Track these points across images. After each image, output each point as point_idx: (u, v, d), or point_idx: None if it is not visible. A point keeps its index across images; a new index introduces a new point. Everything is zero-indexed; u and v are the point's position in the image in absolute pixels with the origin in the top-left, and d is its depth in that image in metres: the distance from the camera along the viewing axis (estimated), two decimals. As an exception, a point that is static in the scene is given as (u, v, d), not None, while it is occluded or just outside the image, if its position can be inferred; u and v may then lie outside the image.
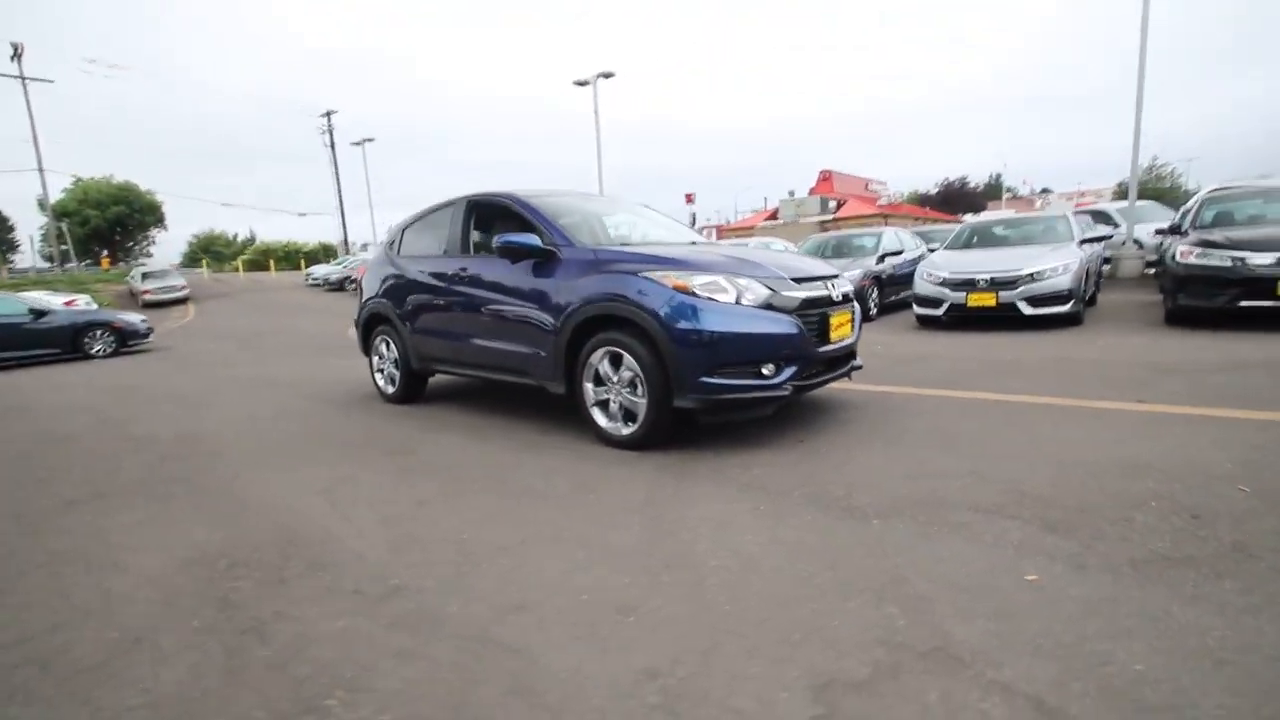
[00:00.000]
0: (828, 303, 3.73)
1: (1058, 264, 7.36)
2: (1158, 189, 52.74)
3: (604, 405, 3.79)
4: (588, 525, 2.64)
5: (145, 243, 38.02)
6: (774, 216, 38.09)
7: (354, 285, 26.87)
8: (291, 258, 44.74)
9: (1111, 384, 4.47)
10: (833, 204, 35.79)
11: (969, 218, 35.81)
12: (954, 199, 45.69)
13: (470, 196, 4.91)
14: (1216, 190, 8.32)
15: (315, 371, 8.25)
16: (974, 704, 1.48)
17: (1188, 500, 2.49)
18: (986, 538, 2.29)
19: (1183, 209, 12.45)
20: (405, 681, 1.69)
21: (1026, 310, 7.35)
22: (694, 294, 3.39)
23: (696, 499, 2.85)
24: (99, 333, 12.14)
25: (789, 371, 3.45)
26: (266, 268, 42.59)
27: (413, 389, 5.47)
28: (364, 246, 36.23)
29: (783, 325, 3.43)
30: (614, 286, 3.60)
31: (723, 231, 39.06)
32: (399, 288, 5.29)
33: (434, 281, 4.90)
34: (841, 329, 3.81)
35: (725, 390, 3.35)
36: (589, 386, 3.82)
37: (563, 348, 3.89)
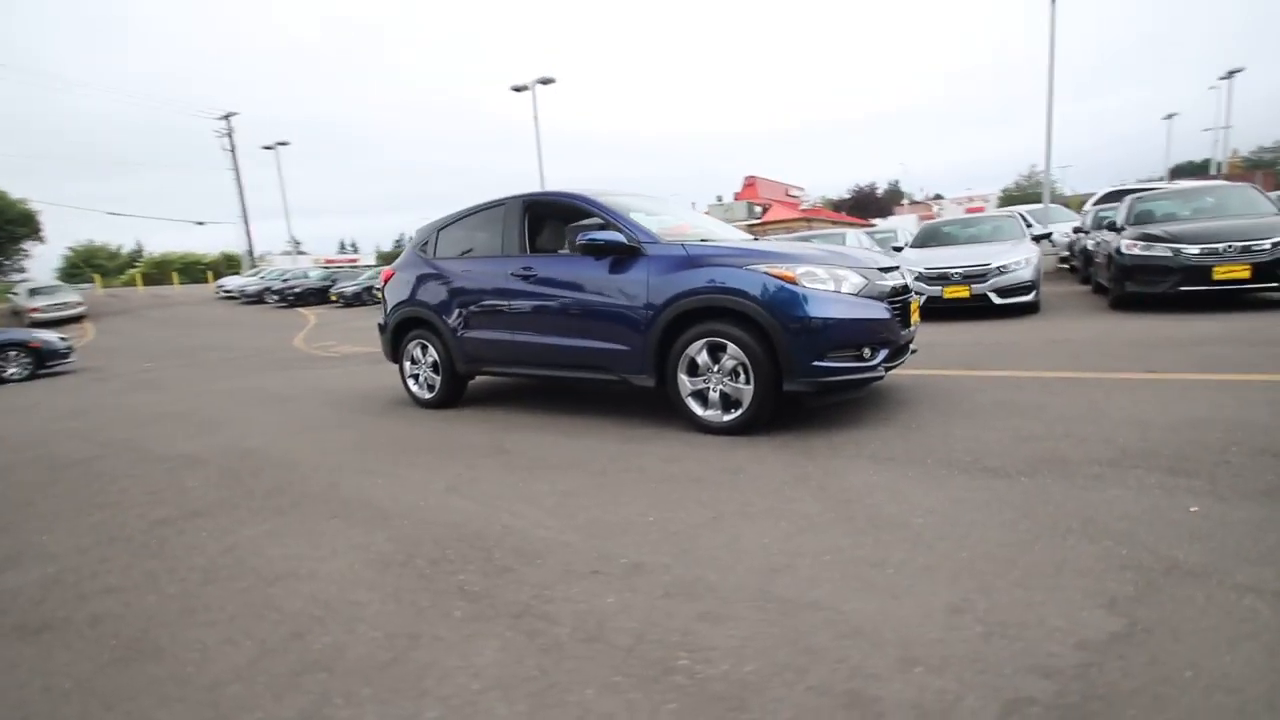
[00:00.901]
0: (905, 290, 4.05)
1: (1021, 258, 8.18)
2: (1038, 194, 58.17)
3: (699, 395, 3.93)
4: (765, 499, 2.79)
5: (18, 256, 33.94)
6: (703, 221, 39.11)
7: (278, 296, 25.37)
8: (191, 269, 41.39)
9: (1114, 358, 5.08)
10: (759, 209, 37.21)
11: (880, 221, 38.47)
12: (865, 204, 48.69)
13: (525, 196, 4.91)
14: (1140, 193, 9.48)
15: (299, 384, 7.83)
16: (1236, 602, 1.77)
17: (1259, 444, 2.94)
18: (1129, 483, 2.63)
19: (1084, 210, 14.13)
20: (737, 638, 1.79)
21: (997, 300, 8.11)
22: (800, 284, 3.61)
23: (842, 472, 3.05)
24: (13, 353, 10.90)
25: (882, 354, 3.74)
26: (164, 281, 39.16)
27: (453, 393, 5.37)
28: (299, 251, 34.07)
29: (878, 311, 3.72)
30: (719, 280, 3.76)
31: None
32: (442, 290, 5.19)
33: (490, 282, 4.86)
34: (915, 314, 4.15)
35: (833, 373, 3.58)
36: (684, 377, 3.95)
37: (655, 341, 4.00)
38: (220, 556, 2.69)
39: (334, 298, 23.97)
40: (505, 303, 4.77)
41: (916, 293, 8.60)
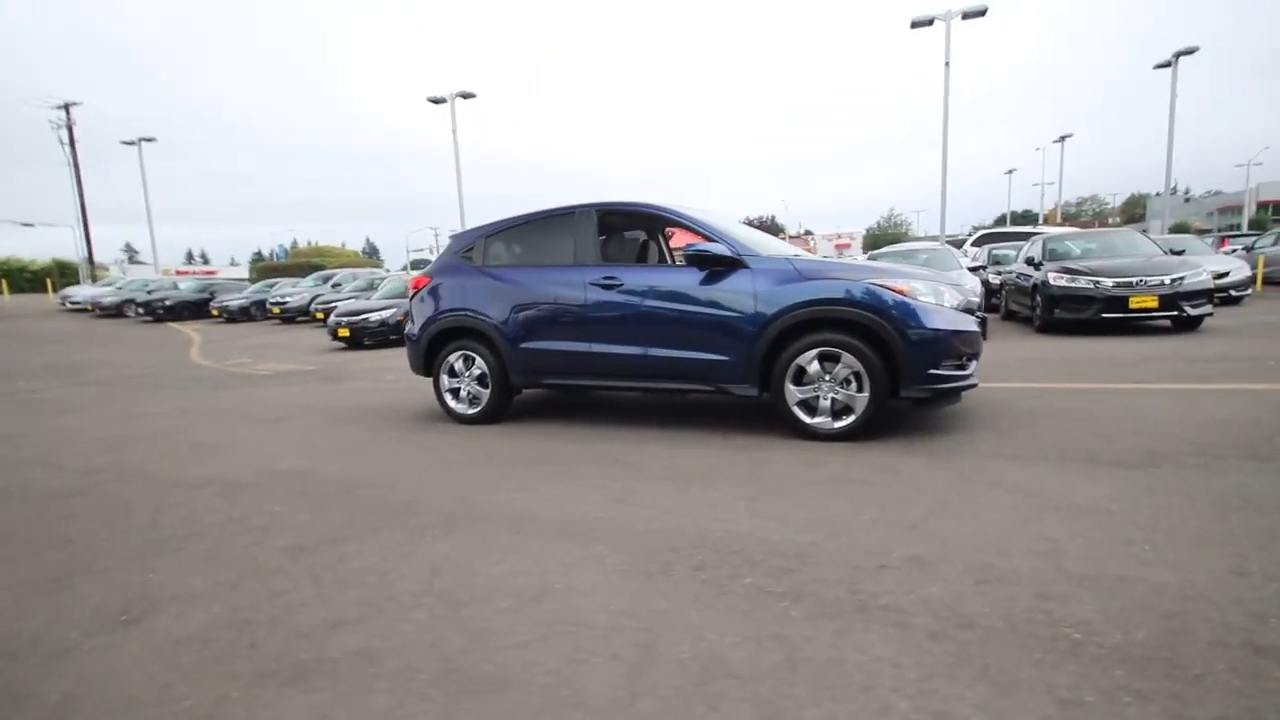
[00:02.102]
0: (980, 307, 4.48)
1: (969, 287, 9.17)
2: (896, 234, 64.79)
3: (804, 403, 4.08)
4: (957, 497, 2.97)
5: None
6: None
7: (144, 310, 22.21)
8: (16, 278, 35.17)
9: (1091, 373, 5.88)
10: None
11: None
12: (754, 235, 51.80)
13: (598, 205, 4.84)
14: (1050, 235, 11.00)
15: (260, 403, 7.02)
16: None
17: None
18: (1235, 473, 3.09)
19: (964, 250, 16.10)
20: (1096, 610, 1.93)
21: None
22: (915, 298, 3.89)
23: (997, 470, 3.30)
24: None
25: (974, 364, 4.11)
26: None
27: (501, 408, 5.12)
28: (133, 260, 30.00)
29: (972, 324, 4.09)
30: (835, 293, 3.95)
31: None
32: (498, 298, 4.96)
33: (563, 291, 4.72)
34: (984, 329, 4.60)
35: (944, 380, 3.88)
36: (791, 386, 4.08)
37: (761, 352, 4.10)
38: (431, 578, 2.42)
39: (215, 312, 21.52)
40: (582, 312, 4.65)
41: None
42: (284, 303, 20.00)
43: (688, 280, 4.35)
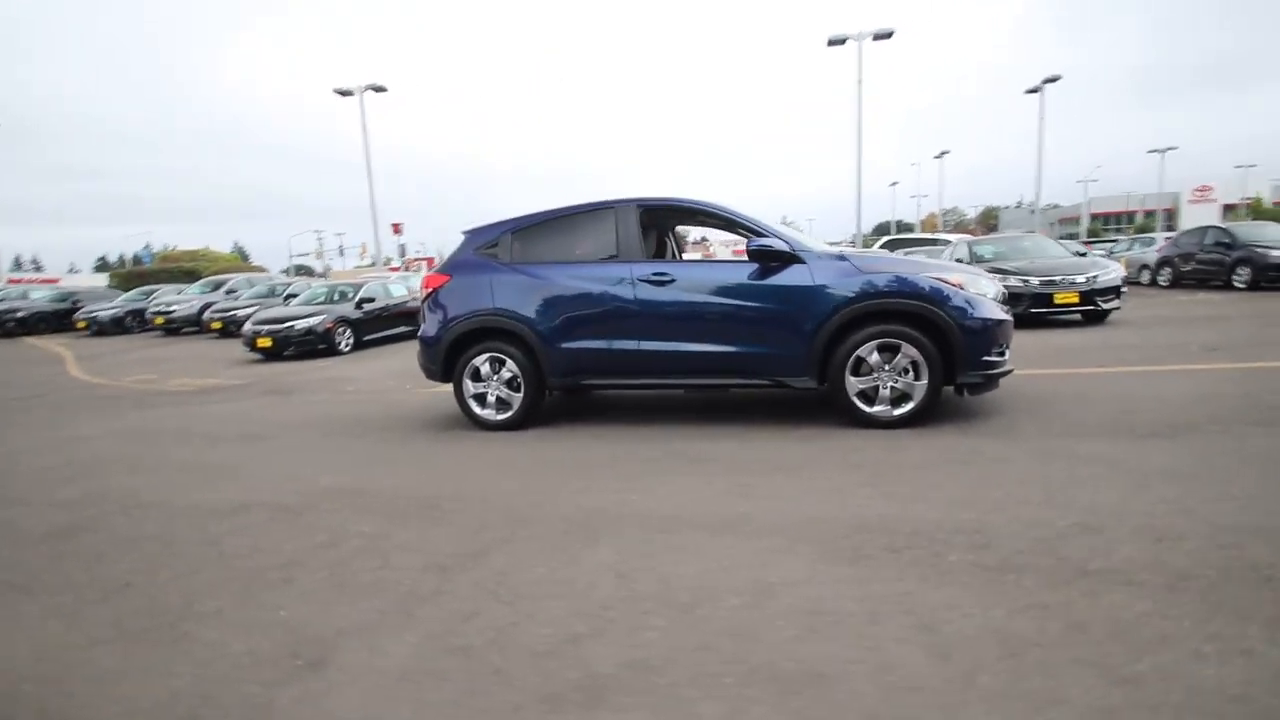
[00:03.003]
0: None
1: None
2: (789, 240, 68.15)
3: (862, 393, 4.23)
4: (1048, 471, 3.20)
5: None
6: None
7: (88, 319, 18.82)
8: None
9: (1054, 360, 6.53)
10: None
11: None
12: (659, 240, 52.91)
13: (637, 200, 4.76)
14: (973, 239, 12.07)
15: (212, 420, 6.26)
16: None
17: None
18: (1255, 437, 3.55)
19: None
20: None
21: None
22: (968, 290, 4.15)
23: (1069, 448, 3.58)
24: None
25: (1009, 351, 4.44)
26: None
27: (534, 412, 4.89)
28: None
29: (1008, 314, 4.42)
30: (899, 286, 4.12)
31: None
32: (533, 296, 4.74)
33: (608, 288, 4.59)
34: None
35: (993, 366, 4.17)
36: (850, 377, 4.22)
37: (822, 344, 4.21)
38: (625, 583, 2.28)
39: (81, 324, 18.85)
40: (630, 309, 4.54)
41: None
42: (169, 312, 17.86)
43: (745, 275, 4.38)
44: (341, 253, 58.42)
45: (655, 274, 4.52)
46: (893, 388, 4.18)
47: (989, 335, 4.12)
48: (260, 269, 40.54)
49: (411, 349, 12.26)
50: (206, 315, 16.63)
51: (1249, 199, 46.51)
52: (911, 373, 4.14)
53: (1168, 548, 2.28)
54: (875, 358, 4.17)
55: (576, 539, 2.72)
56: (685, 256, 4.50)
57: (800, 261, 4.31)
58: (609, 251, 4.71)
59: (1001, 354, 4.27)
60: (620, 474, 3.62)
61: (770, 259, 4.31)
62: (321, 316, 12.10)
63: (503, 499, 3.31)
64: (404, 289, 14.91)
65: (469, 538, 2.81)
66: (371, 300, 13.27)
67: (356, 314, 12.80)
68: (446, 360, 4.99)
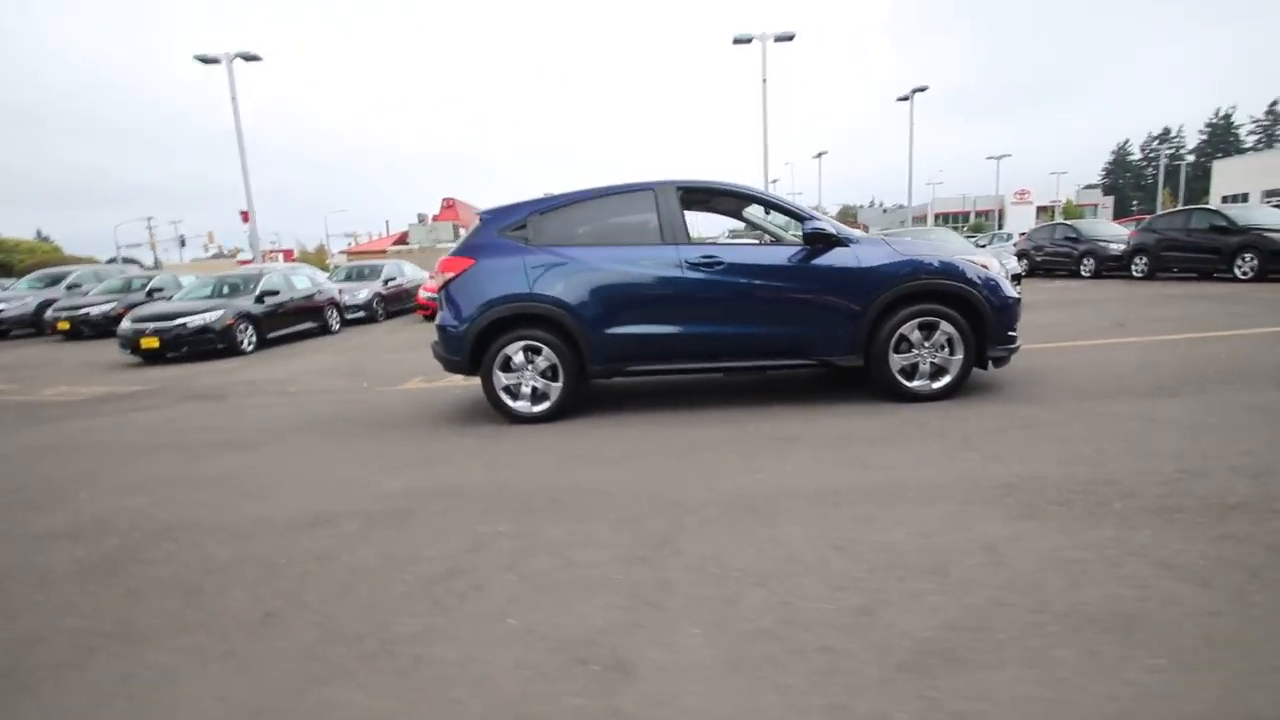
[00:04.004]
0: None
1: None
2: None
3: (903, 370, 4.49)
4: (1103, 428, 3.60)
5: None
6: (403, 240, 36.50)
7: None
8: None
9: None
10: (464, 231, 36.59)
11: None
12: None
13: (676, 182, 4.69)
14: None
15: (150, 431, 5.40)
16: None
17: (1266, 362, 4.97)
18: (1257, 393, 4.20)
19: None
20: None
21: None
22: (993, 272, 4.54)
23: (1092, 411, 4.04)
24: None
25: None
26: None
27: (571, 402, 4.69)
28: None
29: (1019, 294, 4.87)
30: (940, 268, 4.41)
31: (352, 253, 35.64)
32: (574, 281, 4.53)
33: (656, 271, 4.49)
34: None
35: (1013, 341, 4.60)
36: (894, 354, 4.47)
37: (869, 323, 4.43)
38: (846, 558, 2.28)
39: None
40: (679, 293, 4.48)
41: None
42: (-6, 311, 14.96)
43: (791, 258, 4.49)
44: (183, 243, 51.71)
45: (704, 257, 4.50)
46: (932, 363, 4.49)
47: (1011, 312, 4.54)
48: (89, 260, 35.05)
49: (322, 346, 11.37)
50: (49, 314, 14.10)
51: (1056, 201, 54.46)
52: (948, 349, 4.47)
53: (1275, 482, 2.67)
54: (916, 335, 4.45)
55: (749, 519, 2.67)
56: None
57: (844, 244, 4.49)
58: (651, 233, 4.62)
59: (1017, 330, 4.72)
60: (723, 456, 3.58)
61: (822, 241, 4.45)
62: (220, 312, 10.70)
63: (625, 487, 3.16)
64: (308, 281, 13.58)
65: (634, 528, 2.66)
66: (275, 293, 11.94)
67: (258, 309, 11.46)
68: (473, 352, 4.64)
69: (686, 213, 4.77)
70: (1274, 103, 69.52)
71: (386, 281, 16.46)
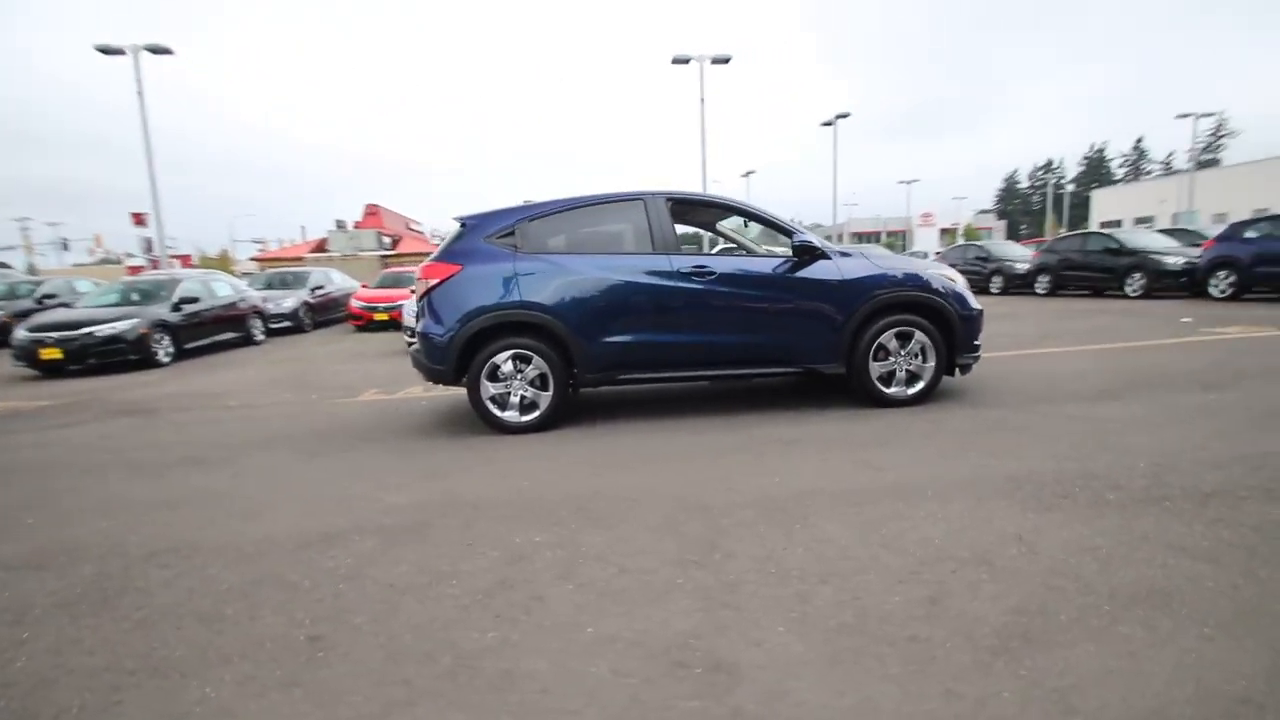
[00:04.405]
0: None
1: None
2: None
3: (881, 377, 4.73)
4: (1078, 429, 3.93)
5: None
6: (321, 248, 34.65)
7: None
8: None
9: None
10: (387, 240, 35.20)
11: None
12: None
13: (666, 193, 4.75)
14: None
15: (85, 448, 4.91)
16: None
17: (1239, 366, 5.52)
18: (1211, 393, 4.71)
19: None
20: (1303, 470, 2.99)
21: None
22: (959, 283, 4.86)
23: (1050, 413, 4.40)
24: None
25: (978, 338, 5.26)
26: None
27: (561, 411, 4.63)
28: None
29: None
30: (914, 280, 4.67)
31: (263, 260, 33.48)
32: (565, 289, 4.49)
33: (649, 280, 4.52)
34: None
35: (978, 349, 4.93)
36: (873, 363, 4.70)
37: (850, 332, 4.63)
38: (897, 554, 2.39)
39: None
40: (672, 302, 4.53)
41: None
42: None
43: (779, 269, 4.64)
44: (65, 247, 47.00)
45: (696, 267, 4.57)
46: (907, 371, 4.74)
47: (976, 323, 4.88)
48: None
49: (249, 358, 10.66)
50: (-86, 322, 12.44)
51: (956, 223, 58.77)
52: (921, 356, 4.74)
53: (1236, 471, 3.01)
54: (893, 344, 4.69)
55: (785, 520, 2.73)
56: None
57: (828, 257, 4.69)
58: (642, 243, 4.65)
59: (980, 339, 5.07)
60: (733, 461, 3.64)
61: (809, 254, 4.62)
62: (133, 321, 9.83)
63: (646, 493, 3.15)
64: (229, 287, 12.70)
65: (673, 533, 2.66)
66: (194, 300, 11.09)
67: (176, 317, 10.61)
68: (459, 361, 4.50)
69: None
70: (1139, 140, 78.27)
71: (314, 290, 15.60)
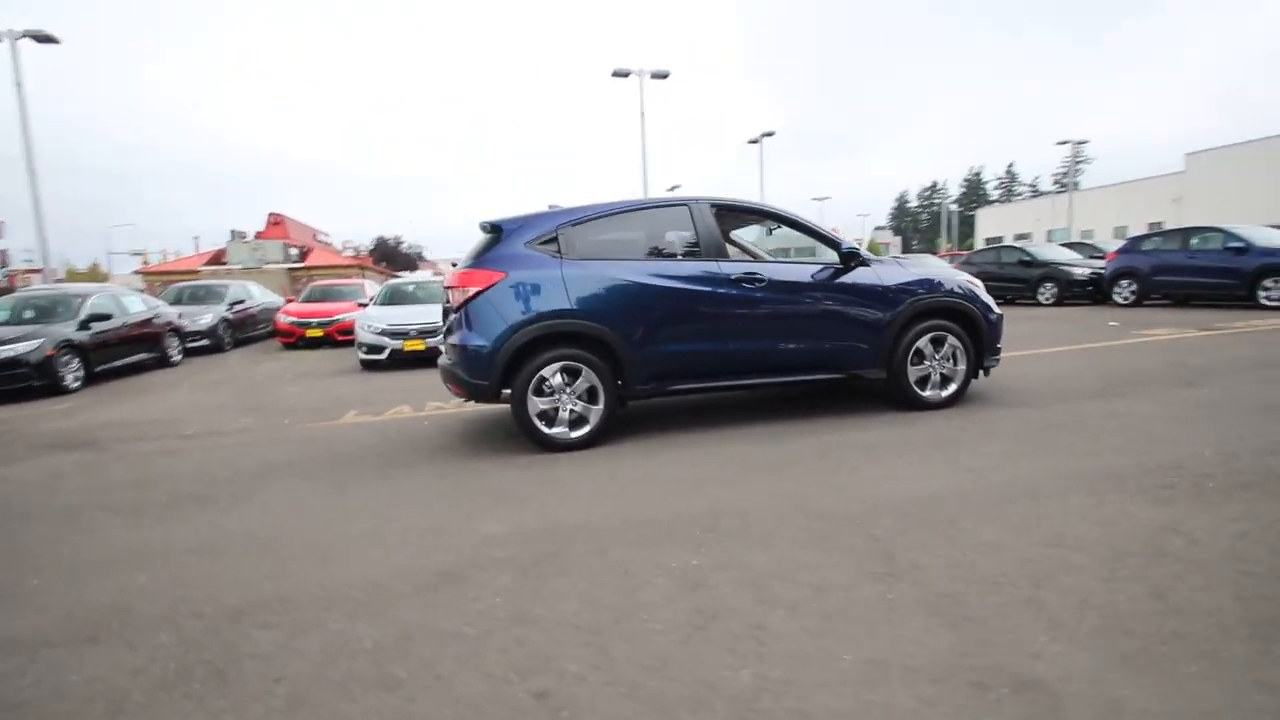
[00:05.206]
0: None
1: None
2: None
3: (919, 380, 4.83)
4: (1107, 425, 4.17)
5: None
6: (219, 260, 31.77)
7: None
8: None
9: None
10: (294, 251, 32.87)
11: (409, 274, 39.29)
12: (389, 257, 48.35)
13: (709, 199, 4.66)
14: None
15: (53, 491, 4.18)
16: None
17: (1195, 364, 6.02)
18: (1211, 385, 5.11)
19: None
20: (1348, 452, 3.30)
21: None
22: (980, 290, 5.06)
23: (1083, 411, 4.66)
24: None
25: (997, 344, 5.49)
26: None
27: (610, 426, 4.40)
28: None
29: (996, 310, 5.47)
30: (948, 286, 4.82)
31: (150, 273, 30.25)
32: (617, 297, 4.29)
33: (702, 288, 4.40)
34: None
35: (999, 352, 5.15)
36: (910, 366, 4.80)
37: (891, 337, 4.72)
38: (1037, 552, 2.39)
39: None
40: (725, 310, 4.43)
41: (368, 347, 9.56)
42: None
43: (823, 275, 4.65)
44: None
45: (747, 273, 4.50)
46: (941, 374, 4.88)
47: (998, 326, 5.10)
48: None
49: (172, 380, 9.58)
50: None
51: (860, 239, 62.50)
52: (953, 360, 4.90)
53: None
54: (929, 348, 4.82)
55: (931, 525, 2.68)
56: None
57: (866, 264, 4.76)
58: (690, 249, 4.53)
59: (1001, 342, 5.30)
60: (816, 467, 3.57)
61: (855, 261, 4.67)
62: (37, 341, 8.54)
63: (756, 506, 3.01)
64: (141, 303, 11.35)
65: (832, 544, 2.55)
66: (106, 317, 9.81)
67: (84, 336, 9.33)
68: (504, 374, 4.17)
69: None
70: (1010, 165, 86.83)
71: (233, 305, 14.21)
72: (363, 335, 9.78)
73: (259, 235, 34.33)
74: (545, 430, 4.25)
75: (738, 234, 5.87)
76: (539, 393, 4.23)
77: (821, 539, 2.62)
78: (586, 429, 4.30)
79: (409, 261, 49.28)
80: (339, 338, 13.23)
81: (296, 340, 13.37)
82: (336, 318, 13.37)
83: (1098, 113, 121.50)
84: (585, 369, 4.25)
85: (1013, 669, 1.72)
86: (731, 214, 4.92)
